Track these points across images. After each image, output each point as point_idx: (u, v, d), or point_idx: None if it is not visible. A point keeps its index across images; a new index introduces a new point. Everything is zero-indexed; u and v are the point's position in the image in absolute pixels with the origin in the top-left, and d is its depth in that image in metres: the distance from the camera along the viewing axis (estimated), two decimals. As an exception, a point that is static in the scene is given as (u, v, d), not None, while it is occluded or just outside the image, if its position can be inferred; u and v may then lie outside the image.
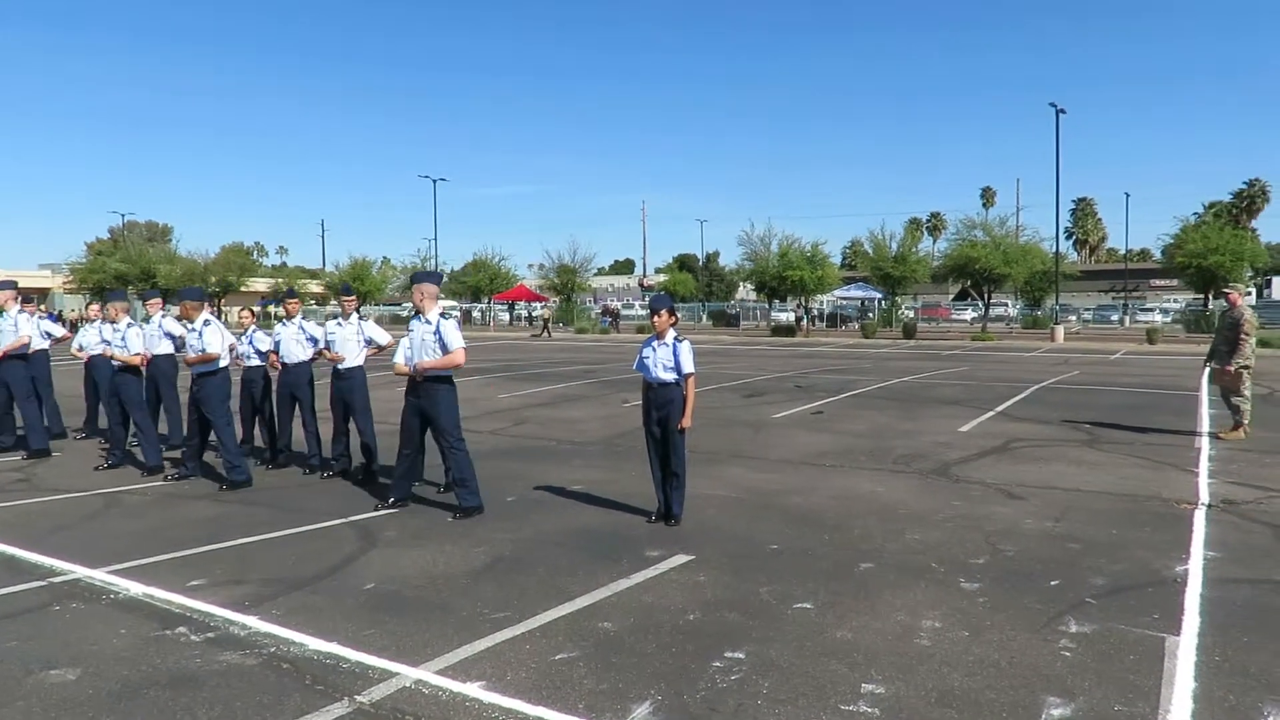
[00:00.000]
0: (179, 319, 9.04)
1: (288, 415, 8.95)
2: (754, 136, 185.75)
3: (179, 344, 9.44)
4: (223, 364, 8.23)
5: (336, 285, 58.05)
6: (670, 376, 6.54)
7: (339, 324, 8.55)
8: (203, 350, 8.03)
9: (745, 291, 66.68)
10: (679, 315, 6.95)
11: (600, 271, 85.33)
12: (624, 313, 56.80)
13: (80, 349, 11.01)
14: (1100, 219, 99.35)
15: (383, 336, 8.77)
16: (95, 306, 11.39)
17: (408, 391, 7.00)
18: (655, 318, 6.62)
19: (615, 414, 13.23)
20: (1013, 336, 40.31)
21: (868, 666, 3.99)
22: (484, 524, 6.63)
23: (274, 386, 9.13)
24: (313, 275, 77.59)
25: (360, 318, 8.71)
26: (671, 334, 6.61)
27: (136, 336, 9.09)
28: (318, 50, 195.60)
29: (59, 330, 11.16)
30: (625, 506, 7.13)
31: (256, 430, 9.28)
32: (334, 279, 60.06)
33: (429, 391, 6.85)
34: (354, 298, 8.85)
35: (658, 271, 80.00)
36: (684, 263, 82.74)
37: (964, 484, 8.06)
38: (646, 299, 65.54)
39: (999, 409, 13.56)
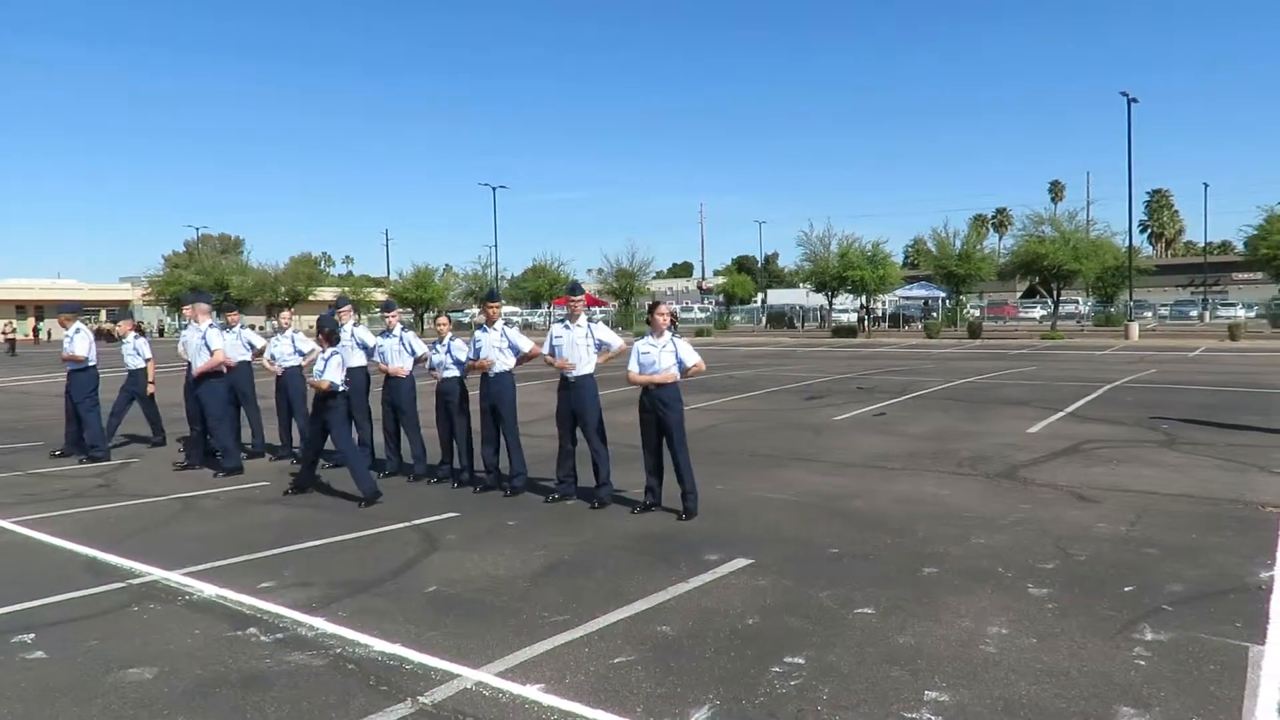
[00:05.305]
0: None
1: (491, 432, 7.94)
2: (813, 136, 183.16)
3: (371, 353, 9.24)
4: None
5: (394, 294, 58.61)
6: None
7: (566, 327, 7.62)
8: (77, 357, 10.28)
9: (805, 292, 65.90)
10: (675, 316, 7.90)
11: (659, 275, 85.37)
12: (683, 316, 56.64)
13: (272, 360, 10.05)
14: (1177, 211, 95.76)
15: (615, 340, 7.76)
16: (287, 314, 10.60)
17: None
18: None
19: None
20: (1084, 335, 39.11)
21: (931, 673, 3.91)
22: (544, 528, 6.68)
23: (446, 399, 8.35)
24: (377, 284, 79.27)
25: (590, 320, 7.75)
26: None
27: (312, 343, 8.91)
28: (375, 63, 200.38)
29: (260, 342, 10.83)
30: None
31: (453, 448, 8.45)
32: (397, 287, 61.14)
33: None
34: (583, 297, 7.83)
35: (716, 274, 79.63)
36: (743, 264, 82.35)
37: (1032, 487, 7.84)
38: (704, 300, 64.67)
39: (1069, 409, 13.16)
